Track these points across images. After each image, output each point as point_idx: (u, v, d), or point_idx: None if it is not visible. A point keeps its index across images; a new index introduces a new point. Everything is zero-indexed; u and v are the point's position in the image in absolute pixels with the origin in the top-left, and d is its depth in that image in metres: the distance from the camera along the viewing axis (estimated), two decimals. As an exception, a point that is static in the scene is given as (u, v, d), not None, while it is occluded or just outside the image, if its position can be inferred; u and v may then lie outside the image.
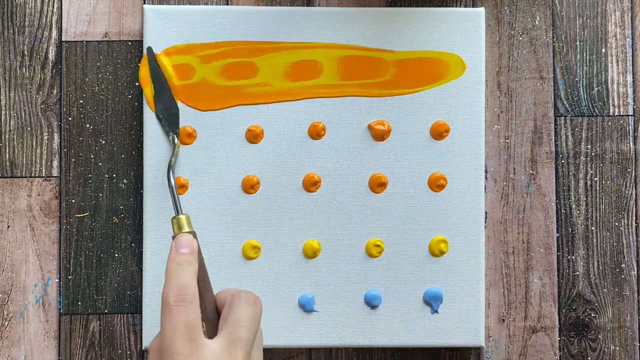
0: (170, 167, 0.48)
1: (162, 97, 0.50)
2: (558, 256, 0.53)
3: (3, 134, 0.53)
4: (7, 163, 0.52)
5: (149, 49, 0.50)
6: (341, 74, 0.51)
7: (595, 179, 0.53)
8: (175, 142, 0.50)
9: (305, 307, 0.51)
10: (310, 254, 0.51)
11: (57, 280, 0.52)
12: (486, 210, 0.52)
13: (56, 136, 0.53)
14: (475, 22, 0.52)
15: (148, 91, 0.51)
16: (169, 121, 0.50)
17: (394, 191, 0.51)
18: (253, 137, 0.51)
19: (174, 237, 0.43)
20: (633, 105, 0.53)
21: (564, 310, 0.52)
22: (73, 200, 0.52)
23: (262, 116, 0.51)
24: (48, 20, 0.53)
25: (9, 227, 0.52)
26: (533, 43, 0.53)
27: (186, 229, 0.43)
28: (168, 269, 0.41)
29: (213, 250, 0.51)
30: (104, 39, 0.53)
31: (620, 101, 0.53)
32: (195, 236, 0.43)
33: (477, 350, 0.52)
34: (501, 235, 0.52)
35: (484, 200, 0.51)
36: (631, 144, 0.53)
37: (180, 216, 0.44)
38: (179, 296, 0.39)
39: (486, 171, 0.53)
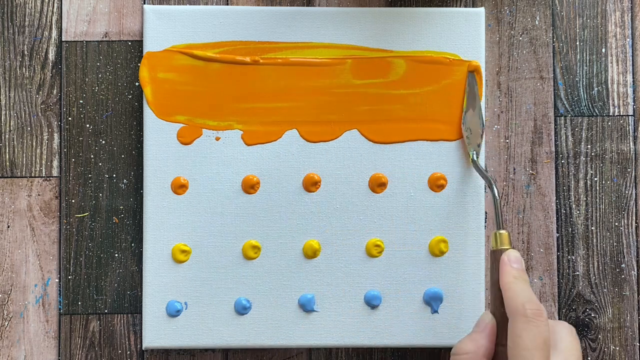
0: (491, 181, 0.48)
1: (472, 113, 0.51)
2: (558, 256, 0.53)
3: (3, 134, 0.53)
4: (7, 163, 0.52)
5: (472, 74, 0.51)
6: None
7: (595, 179, 0.53)
8: (475, 158, 0.50)
9: (305, 307, 0.51)
10: (310, 254, 0.51)
11: (57, 280, 0.52)
12: (486, 210, 0.52)
13: (56, 136, 0.53)
14: (475, 22, 0.52)
15: (148, 91, 0.51)
16: (473, 138, 0.51)
17: (394, 191, 0.51)
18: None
19: (492, 251, 0.45)
20: (633, 105, 0.53)
21: (564, 310, 0.52)
22: (73, 200, 0.52)
23: (262, 116, 0.51)
24: (48, 20, 0.53)
25: (9, 227, 0.52)
26: (533, 43, 0.53)
27: (506, 245, 0.45)
28: (505, 281, 0.42)
29: (213, 250, 0.51)
30: (104, 39, 0.53)
31: (620, 101, 0.53)
32: None
33: (477, 350, 0.52)
34: (501, 235, 0.52)
35: (484, 200, 0.51)
36: (631, 144, 0.53)
37: (503, 232, 0.45)
38: (536, 310, 0.40)
39: (486, 171, 0.53)
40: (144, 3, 0.53)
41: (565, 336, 0.41)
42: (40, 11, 0.53)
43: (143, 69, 0.51)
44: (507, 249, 0.44)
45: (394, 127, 0.51)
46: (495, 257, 0.45)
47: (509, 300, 0.41)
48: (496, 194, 0.47)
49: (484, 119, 0.51)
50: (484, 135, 0.51)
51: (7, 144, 0.53)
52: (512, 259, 0.43)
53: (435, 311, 0.51)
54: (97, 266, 0.52)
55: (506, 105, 0.53)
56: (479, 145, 0.51)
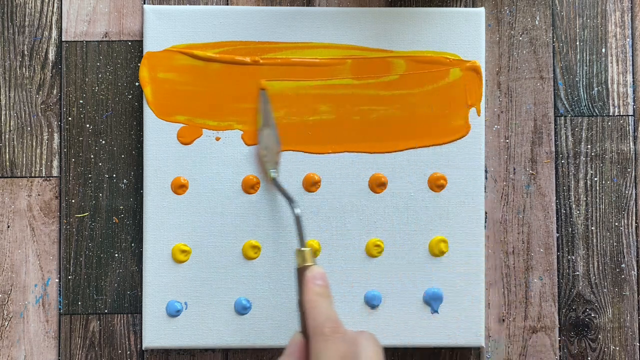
0: (292, 200, 0.48)
1: (268, 131, 0.50)
2: (558, 256, 0.53)
3: (3, 134, 0.53)
4: (7, 163, 0.52)
5: (263, 92, 0.50)
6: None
7: (595, 179, 0.53)
8: (275, 176, 0.50)
9: (305, 307, 0.51)
10: (310, 254, 0.51)
11: (57, 280, 0.52)
12: (486, 210, 0.52)
13: (56, 136, 0.53)
14: (475, 22, 0.52)
15: (148, 91, 0.51)
16: (270, 156, 0.50)
17: (394, 191, 0.51)
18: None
19: (298, 269, 0.44)
20: (633, 105, 0.53)
21: (564, 310, 0.52)
22: (73, 200, 0.52)
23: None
24: (48, 20, 0.53)
25: (9, 227, 0.52)
26: (533, 43, 0.53)
27: (309, 262, 0.44)
28: (308, 299, 0.42)
29: (213, 250, 0.51)
30: (104, 39, 0.53)
31: (620, 101, 0.53)
32: None
33: (477, 350, 0.52)
34: (501, 235, 0.53)
35: (484, 200, 0.51)
36: (631, 144, 0.53)
37: (305, 249, 0.45)
38: (334, 327, 0.40)
39: (486, 171, 0.53)
40: (144, 3, 0.53)
41: (367, 346, 0.41)
42: (40, 11, 0.53)
43: (143, 69, 0.51)
44: (311, 266, 0.44)
45: (393, 137, 0.51)
46: (300, 275, 0.44)
47: (310, 320, 0.41)
48: (297, 212, 0.47)
49: (279, 140, 0.50)
50: (280, 153, 0.51)
51: (7, 144, 0.53)
52: (316, 276, 0.43)
53: (435, 311, 0.51)
54: (97, 266, 0.52)
55: (506, 105, 0.53)
56: (277, 163, 0.50)
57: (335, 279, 0.51)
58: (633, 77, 0.53)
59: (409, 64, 0.51)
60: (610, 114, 0.53)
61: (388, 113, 0.51)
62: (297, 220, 0.47)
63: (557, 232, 0.53)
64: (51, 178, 0.52)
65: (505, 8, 0.53)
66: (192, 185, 0.51)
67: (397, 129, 0.51)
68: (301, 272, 0.44)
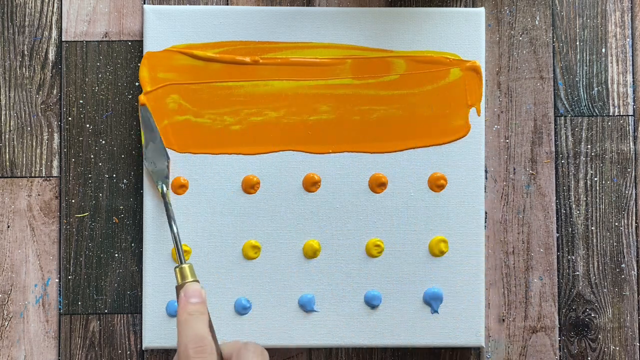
0: (171, 217, 0.48)
1: (154, 146, 0.50)
2: (558, 256, 0.53)
3: (3, 134, 0.53)
4: (7, 163, 0.52)
5: (144, 108, 0.50)
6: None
7: (595, 179, 0.53)
8: (165, 191, 0.49)
9: (305, 307, 0.51)
10: (310, 254, 0.51)
11: (57, 280, 0.52)
12: (486, 210, 0.52)
13: (56, 136, 0.53)
14: (475, 22, 0.52)
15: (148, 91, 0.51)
16: (159, 171, 0.50)
17: (394, 191, 0.51)
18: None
19: (177, 287, 0.44)
20: (633, 105, 0.53)
21: (564, 310, 0.52)
22: (73, 200, 0.52)
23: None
24: (48, 20, 0.53)
25: (9, 227, 0.52)
26: (533, 43, 0.53)
27: (189, 278, 0.44)
28: (180, 319, 0.42)
29: (213, 250, 0.51)
30: (104, 39, 0.53)
31: (620, 101, 0.53)
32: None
33: (477, 350, 0.52)
34: (501, 235, 0.53)
35: (484, 200, 0.51)
36: (631, 144, 0.53)
37: (184, 266, 0.44)
38: (199, 347, 0.40)
39: (486, 171, 0.53)
40: (144, 3, 0.53)
41: (248, 358, 0.41)
42: (40, 11, 0.53)
43: (143, 69, 0.51)
44: (190, 282, 0.43)
45: (393, 137, 0.51)
46: (179, 293, 0.44)
47: (179, 342, 0.41)
48: (175, 231, 0.47)
49: (167, 151, 0.50)
50: (170, 167, 0.50)
51: (7, 144, 0.53)
52: (190, 293, 0.42)
53: (435, 311, 0.51)
54: (97, 266, 0.52)
55: (506, 105, 0.53)
56: (166, 177, 0.50)
57: (335, 279, 0.51)
58: (633, 77, 0.53)
59: (409, 64, 0.51)
60: (610, 114, 0.53)
61: (388, 113, 0.51)
62: (176, 238, 0.46)
63: (557, 232, 0.53)
64: (51, 178, 0.53)
65: (505, 8, 0.53)
66: (192, 185, 0.51)
67: (397, 129, 0.51)
68: (180, 289, 0.43)
